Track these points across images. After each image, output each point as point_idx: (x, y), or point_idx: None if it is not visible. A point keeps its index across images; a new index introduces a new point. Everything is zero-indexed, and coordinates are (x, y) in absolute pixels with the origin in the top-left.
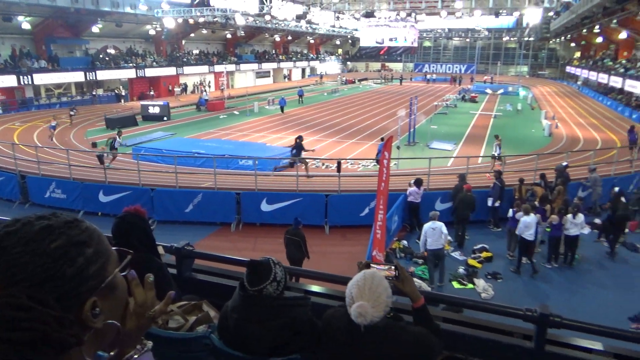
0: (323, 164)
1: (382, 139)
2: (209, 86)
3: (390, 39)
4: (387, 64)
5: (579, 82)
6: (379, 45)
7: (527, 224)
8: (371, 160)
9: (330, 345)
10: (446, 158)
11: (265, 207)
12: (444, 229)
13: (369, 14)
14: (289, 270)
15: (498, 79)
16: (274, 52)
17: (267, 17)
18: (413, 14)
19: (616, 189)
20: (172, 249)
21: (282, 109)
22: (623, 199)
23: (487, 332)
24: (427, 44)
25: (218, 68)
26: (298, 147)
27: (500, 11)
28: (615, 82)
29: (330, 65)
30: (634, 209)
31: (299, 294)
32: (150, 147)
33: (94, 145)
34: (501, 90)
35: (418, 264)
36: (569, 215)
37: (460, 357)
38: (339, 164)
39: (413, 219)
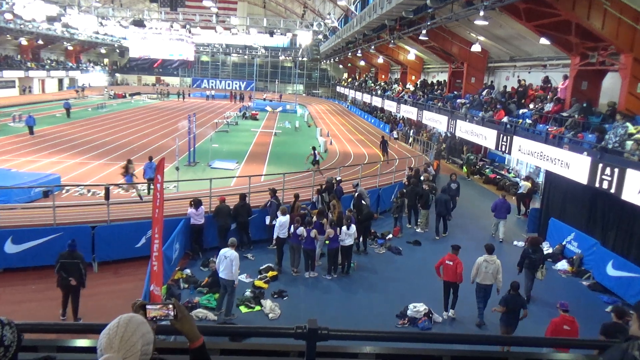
0: (88, 191)
1: (150, 159)
2: None
3: (165, 52)
4: (162, 77)
5: (348, 101)
6: (152, 57)
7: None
8: (147, 184)
9: None
10: (229, 178)
11: (10, 248)
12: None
13: (138, 23)
14: (35, 327)
15: (276, 96)
16: (19, 57)
17: (8, 16)
18: (188, 27)
19: (355, 193)
20: None
21: (30, 129)
22: (364, 202)
23: (264, 357)
24: (204, 58)
25: None
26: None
27: (275, 31)
28: (377, 101)
29: (95, 77)
30: (395, 216)
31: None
32: None
33: None
34: (280, 108)
35: (203, 293)
36: (344, 227)
37: None
38: (107, 190)
39: (195, 244)
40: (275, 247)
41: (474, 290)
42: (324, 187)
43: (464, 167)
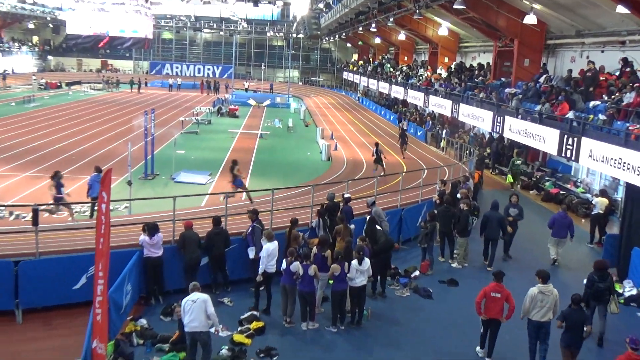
0: (10, 213)
1: (97, 170)
2: None
3: (114, 27)
4: (111, 61)
5: (358, 92)
6: (97, 34)
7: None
8: (90, 204)
9: None
10: (199, 196)
11: None
12: None
13: None
14: None
15: (263, 86)
16: None
17: None
18: None
19: (369, 216)
20: None
21: None
22: (378, 227)
23: None
24: (167, 35)
25: None
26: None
27: None
28: (397, 92)
29: (21, 60)
30: (423, 246)
31: None
32: None
33: None
34: (268, 102)
35: (164, 351)
36: (354, 262)
37: None
38: (35, 212)
39: (152, 284)
40: (261, 287)
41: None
42: (325, 206)
43: (508, 175)
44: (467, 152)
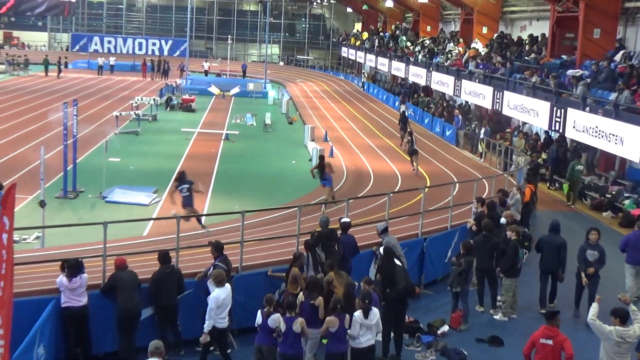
0: None
1: None
2: None
3: None
4: (17, 33)
5: (363, 76)
6: None
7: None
8: None
9: None
10: (140, 222)
11: None
12: None
13: None
14: None
15: (230, 67)
16: None
17: None
18: None
19: (380, 248)
20: None
21: None
22: (397, 261)
23: None
24: None
25: None
26: None
27: None
28: (417, 74)
29: None
30: (455, 290)
31: None
32: None
33: None
34: (236, 90)
35: None
36: (357, 314)
37: None
38: None
39: (75, 345)
40: (210, 348)
41: None
42: (316, 235)
43: (564, 185)
44: (515, 158)
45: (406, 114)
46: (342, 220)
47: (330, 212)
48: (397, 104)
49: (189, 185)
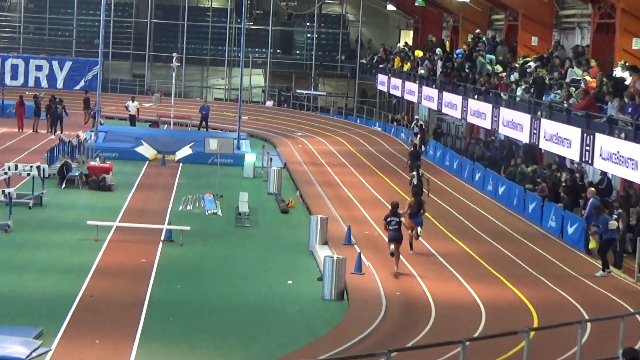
0: None
1: None
2: None
3: None
4: None
5: (415, 126)
6: None
7: None
8: None
9: None
10: None
11: None
12: None
13: None
14: None
15: (176, 109)
16: None
17: None
18: None
19: None
20: None
21: None
22: None
23: None
24: None
25: None
26: None
27: None
28: (516, 126)
29: None
30: None
31: None
32: None
33: None
34: (187, 151)
35: None
36: None
37: None
38: None
39: None
40: None
41: None
42: None
43: None
44: None
45: (419, 150)
46: None
47: None
48: (412, 139)
49: None
